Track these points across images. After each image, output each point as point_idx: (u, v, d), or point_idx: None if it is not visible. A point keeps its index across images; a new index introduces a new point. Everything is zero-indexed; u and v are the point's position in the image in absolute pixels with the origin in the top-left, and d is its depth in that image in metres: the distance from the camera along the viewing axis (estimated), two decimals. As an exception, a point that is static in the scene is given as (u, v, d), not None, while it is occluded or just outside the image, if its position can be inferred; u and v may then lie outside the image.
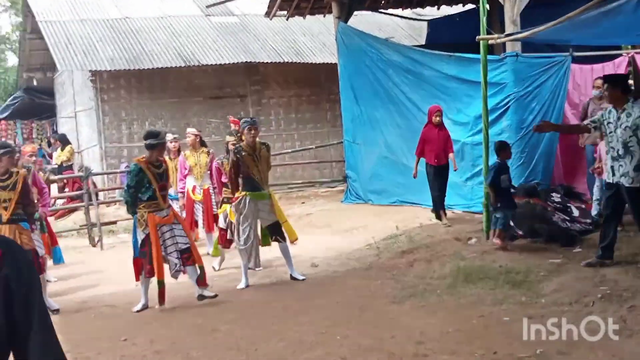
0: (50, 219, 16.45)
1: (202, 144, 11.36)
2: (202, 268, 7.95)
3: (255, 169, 8.59)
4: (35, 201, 8.70)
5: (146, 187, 7.76)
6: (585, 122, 8.75)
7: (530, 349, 5.69)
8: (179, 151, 11.41)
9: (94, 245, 13.42)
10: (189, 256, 7.87)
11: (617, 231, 7.94)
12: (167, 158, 10.23)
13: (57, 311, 8.19)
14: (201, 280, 7.88)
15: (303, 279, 8.75)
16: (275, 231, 8.78)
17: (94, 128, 18.45)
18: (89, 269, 11.27)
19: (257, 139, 8.78)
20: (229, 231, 9.23)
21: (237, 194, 8.70)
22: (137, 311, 7.79)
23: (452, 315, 6.79)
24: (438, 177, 11.08)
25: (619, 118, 7.62)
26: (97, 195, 14.91)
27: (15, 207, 7.66)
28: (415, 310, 7.06)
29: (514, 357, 5.51)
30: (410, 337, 6.21)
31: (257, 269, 9.20)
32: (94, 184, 15.76)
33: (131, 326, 7.32)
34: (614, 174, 7.68)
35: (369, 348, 6.06)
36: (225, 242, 9.50)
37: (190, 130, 11.69)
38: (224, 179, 9.34)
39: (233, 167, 8.67)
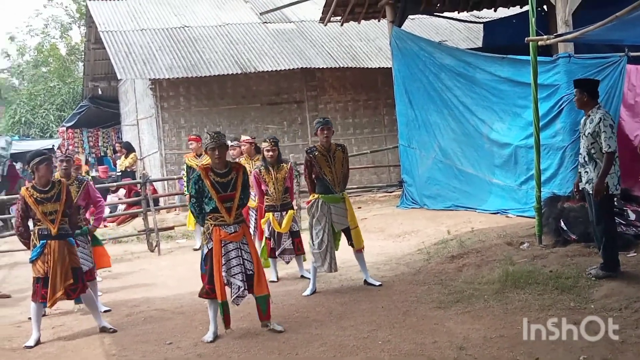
0: (112, 225, 16.95)
1: (257, 150, 11.37)
2: (266, 298, 7.09)
3: (328, 170, 8.49)
4: (88, 214, 8.85)
5: (208, 197, 6.93)
6: None
7: (574, 356, 5.59)
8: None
9: (152, 251, 13.66)
10: (252, 284, 6.97)
11: None
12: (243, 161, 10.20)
13: (108, 311, 8.42)
14: (263, 314, 7.07)
15: (379, 285, 8.57)
16: (350, 236, 8.71)
17: (154, 135, 18.82)
18: (145, 273, 11.52)
19: (333, 141, 8.72)
20: (272, 240, 9.29)
21: (310, 197, 8.65)
22: (209, 341, 6.83)
23: (497, 320, 6.69)
24: None
25: (584, 124, 7.66)
26: (156, 201, 15.18)
27: (62, 220, 7.48)
28: (460, 316, 6.98)
29: (555, 364, 5.41)
30: (452, 343, 6.16)
31: (333, 272, 8.71)
32: (154, 190, 16.06)
33: (178, 330, 7.40)
34: (581, 180, 7.73)
35: (409, 353, 6.03)
36: (270, 251, 9.41)
37: (245, 137, 11.72)
38: (264, 187, 9.33)
39: (306, 167, 8.60)
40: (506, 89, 11.91)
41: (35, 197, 7.41)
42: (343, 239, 8.83)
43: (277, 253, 9.34)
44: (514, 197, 11.95)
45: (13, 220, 17.78)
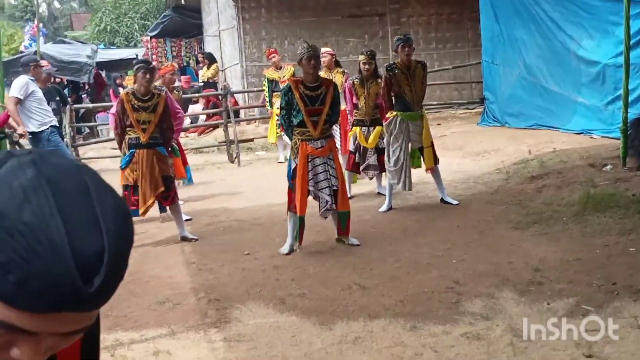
0: (194, 135, 17.25)
1: (337, 64, 11.27)
2: (347, 215, 7.15)
3: (407, 88, 8.38)
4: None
5: (296, 110, 6.90)
6: None
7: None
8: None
9: (231, 162, 13.87)
10: (336, 199, 7.02)
11: None
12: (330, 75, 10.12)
13: (189, 220, 8.63)
14: (342, 229, 7.15)
15: (456, 204, 8.52)
16: (422, 154, 8.63)
17: (235, 47, 18.86)
18: (225, 184, 11.70)
19: (413, 57, 8.59)
20: (356, 154, 9.28)
21: (388, 114, 8.57)
22: (285, 254, 6.96)
23: (575, 243, 6.60)
24: None
25: None
26: (236, 113, 15.33)
27: (154, 130, 7.58)
28: (537, 237, 6.91)
29: (632, 290, 5.32)
30: (528, 264, 6.12)
31: (408, 191, 8.75)
32: (235, 102, 16.21)
33: (256, 241, 7.55)
34: None
35: (484, 273, 6.02)
36: (353, 166, 9.36)
37: (326, 49, 11.59)
38: (355, 100, 9.27)
39: (386, 85, 8.50)
40: (597, 4, 11.44)
41: (133, 103, 7.55)
42: None
43: (361, 168, 9.33)
44: (599, 117, 11.62)
45: (99, 128, 18.34)
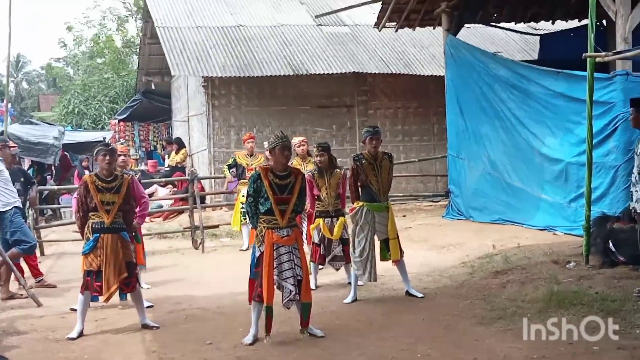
0: (158, 220, 17.14)
1: (309, 153, 11.39)
2: (309, 306, 7.07)
3: (374, 178, 8.45)
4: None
5: (264, 197, 6.88)
6: None
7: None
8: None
9: (196, 248, 13.77)
10: (299, 289, 6.93)
11: None
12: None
13: (150, 307, 8.50)
14: (304, 321, 7.04)
15: (421, 297, 8.50)
16: (388, 246, 8.64)
17: (204, 132, 18.99)
18: (188, 271, 11.59)
19: (380, 148, 8.68)
20: (322, 246, 9.27)
21: (354, 204, 8.60)
22: (249, 344, 6.82)
23: (539, 340, 6.58)
24: None
25: (639, 143, 7.55)
26: (202, 199, 15.30)
27: (117, 212, 7.56)
28: (501, 333, 6.88)
29: (598, 390, 5.30)
30: (493, 361, 6.08)
31: (373, 281, 8.74)
32: (201, 188, 16.20)
33: (218, 330, 7.43)
34: (631, 199, 7.58)
35: (448, 368, 5.97)
36: (318, 258, 9.33)
37: (301, 138, 11.70)
38: (316, 192, 9.32)
39: (352, 174, 8.56)
40: (560, 104, 11.75)
41: (97, 184, 7.52)
42: None
43: (327, 260, 9.30)
44: (562, 214, 11.78)
45: (62, 210, 18.15)
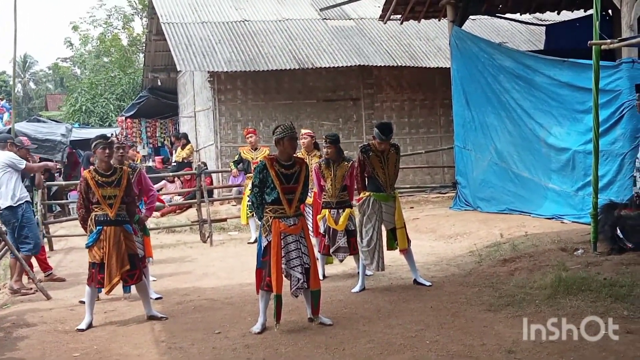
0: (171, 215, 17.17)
1: (316, 146, 11.36)
2: (319, 293, 7.12)
3: (380, 170, 8.48)
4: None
5: (271, 187, 6.92)
6: None
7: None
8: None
9: (204, 241, 13.81)
10: (308, 277, 6.99)
11: None
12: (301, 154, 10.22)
13: (159, 299, 8.57)
14: (315, 309, 7.10)
15: (429, 285, 8.52)
16: (395, 236, 8.66)
17: (210, 127, 19.03)
18: (196, 263, 11.65)
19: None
20: (326, 237, 9.29)
21: (361, 194, 8.62)
22: (257, 333, 6.85)
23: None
24: None
25: None
26: (210, 193, 15.35)
27: (120, 205, 7.59)
28: (510, 319, 6.88)
29: (606, 372, 5.31)
30: (501, 346, 6.07)
31: (381, 271, 8.78)
32: (209, 182, 16.25)
33: (227, 320, 7.46)
34: (634, 185, 7.55)
35: (457, 354, 5.97)
36: (324, 248, 9.36)
37: (306, 131, 11.68)
38: (322, 183, 9.34)
39: (359, 165, 8.58)
40: (566, 94, 11.73)
41: (96, 179, 7.53)
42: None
43: (331, 250, 9.31)
44: (569, 203, 11.76)
45: (71, 206, 18.19)
